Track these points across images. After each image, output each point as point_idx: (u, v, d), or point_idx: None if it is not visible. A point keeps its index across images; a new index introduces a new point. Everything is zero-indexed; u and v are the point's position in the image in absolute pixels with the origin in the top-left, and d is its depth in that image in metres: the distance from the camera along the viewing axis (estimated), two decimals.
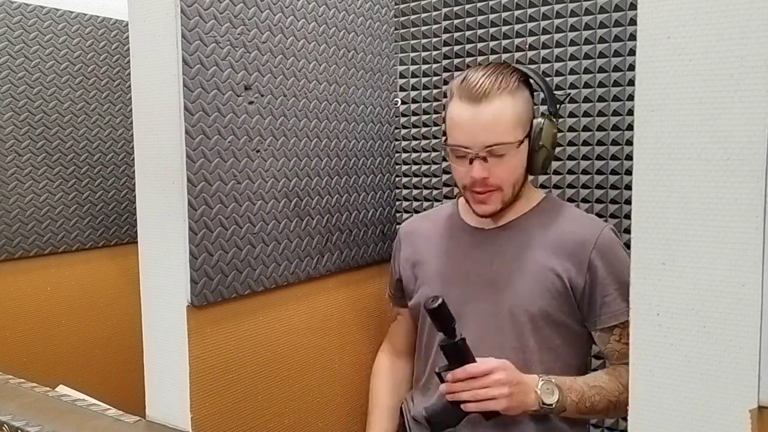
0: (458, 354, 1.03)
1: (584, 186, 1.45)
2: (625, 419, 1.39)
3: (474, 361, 1.03)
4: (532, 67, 1.48)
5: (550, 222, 1.18)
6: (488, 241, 1.20)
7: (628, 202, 1.40)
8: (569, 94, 1.45)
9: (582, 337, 1.17)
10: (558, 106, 1.16)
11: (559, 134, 1.46)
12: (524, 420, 1.15)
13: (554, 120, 1.14)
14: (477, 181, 1.11)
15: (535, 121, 1.13)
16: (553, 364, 1.14)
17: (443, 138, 1.23)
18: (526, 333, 1.13)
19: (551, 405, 1.04)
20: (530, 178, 1.23)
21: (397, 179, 1.62)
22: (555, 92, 1.46)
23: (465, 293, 1.18)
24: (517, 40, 1.50)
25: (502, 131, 1.08)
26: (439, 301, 1.00)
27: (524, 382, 1.05)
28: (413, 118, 1.69)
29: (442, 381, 1.05)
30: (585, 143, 1.44)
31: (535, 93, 1.17)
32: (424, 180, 1.70)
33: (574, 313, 1.14)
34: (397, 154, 1.67)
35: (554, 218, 1.19)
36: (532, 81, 1.15)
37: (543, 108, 1.21)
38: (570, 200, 1.46)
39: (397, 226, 1.52)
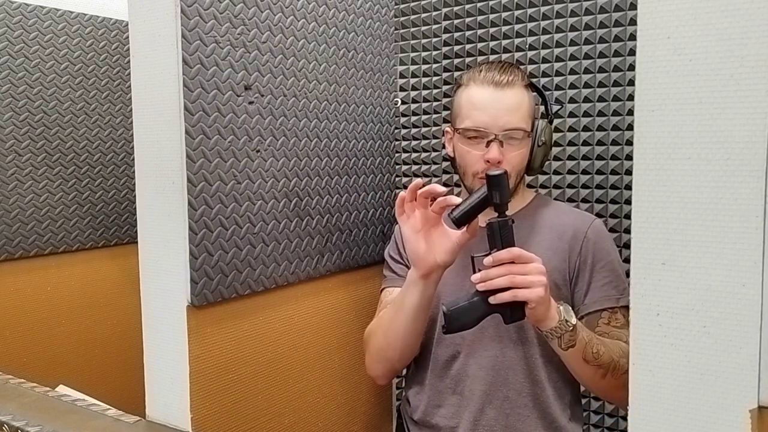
0: (505, 234, 0.99)
1: (584, 186, 1.45)
2: (624, 419, 1.39)
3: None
4: (531, 67, 1.48)
5: (543, 218, 1.22)
6: (484, 239, 1.20)
7: (628, 202, 1.40)
8: (562, 104, 1.46)
9: None
10: (553, 112, 1.23)
11: (559, 134, 1.47)
12: (530, 416, 1.15)
13: (551, 125, 1.21)
14: (492, 163, 1.12)
15: (536, 121, 1.19)
16: (552, 356, 1.14)
17: (449, 126, 1.23)
18: (526, 326, 1.15)
19: (571, 325, 1.02)
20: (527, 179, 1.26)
21: (397, 179, 1.62)
22: (548, 93, 1.48)
23: (461, 289, 1.18)
24: (517, 40, 1.50)
25: (521, 117, 1.14)
26: (502, 170, 1.00)
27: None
28: (413, 118, 1.69)
29: (475, 270, 1.02)
30: (585, 143, 1.44)
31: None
32: (424, 180, 1.69)
33: (570, 304, 1.15)
34: (397, 154, 1.67)
35: (547, 214, 1.23)
36: (533, 85, 1.21)
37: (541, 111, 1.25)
38: (570, 200, 1.46)
39: (397, 226, 1.51)
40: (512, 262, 0.99)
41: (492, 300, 0.99)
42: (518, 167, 1.16)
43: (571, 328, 1.02)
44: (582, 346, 1.05)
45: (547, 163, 1.47)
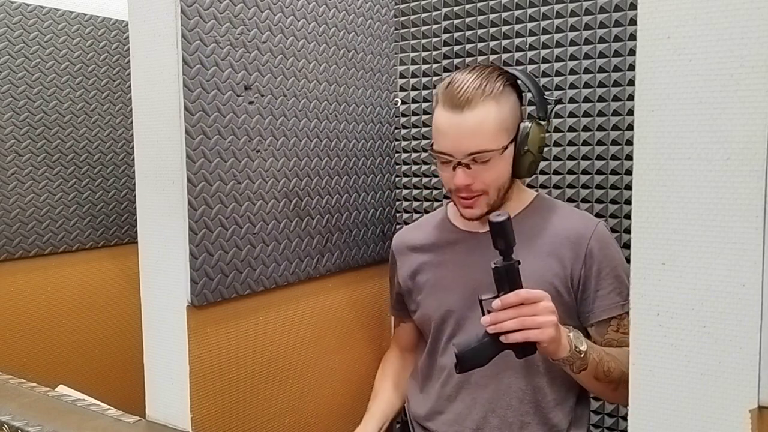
0: (512, 277, 0.97)
1: (584, 186, 1.45)
2: (624, 419, 1.39)
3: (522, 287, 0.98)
4: (531, 67, 1.48)
5: (544, 221, 1.18)
6: (482, 244, 1.19)
7: (628, 202, 1.40)
8: (559, 99, 1.44)
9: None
10: (547, 109, 1.15)
11: (559, 134, 1.47)
12: (531, 422, 1.15)
13: (543, 123, 1.13)
14: (461, 188, 1.11)
15: (522, 124, 1.11)
16: (554, 365, 1.14)
17: (430, 143, 1.22)
18: None
19: (581, 352, 1.01)
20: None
21: (397, 179, 1.62)
22: (549, 92, 1.46)
23: (465, 299, 1.18)
24: (517, 40, 1.50)
25: (484, 139, 1.07)
26: (506, 215, 0.95)
27: (560, 324, 1.01)
28: (413, 118, 1.69)
29: (483, 312, 1.00)
30: (585, 143, 1.44)
31: (524, 94, 1.16)
32: (424, 180, 1.70)
33: (572, 311, 1.15)
34: (397, 154, 1.67)
35: (548, 217, 1.19)
36: (520, 83, 1.14)
37: (532, 109, 1.19)
38: (570, 200, 1.46)
39: (397, 226, 1.52)
40: (521, 304, 0.97)
41: (503, 339, 0.98)
42: (494, 184, 1.12)
43: (582, 355, 1.02)
44: (593, 368, 1.04)
45: (546, 163, 1.48)
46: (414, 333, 1.36)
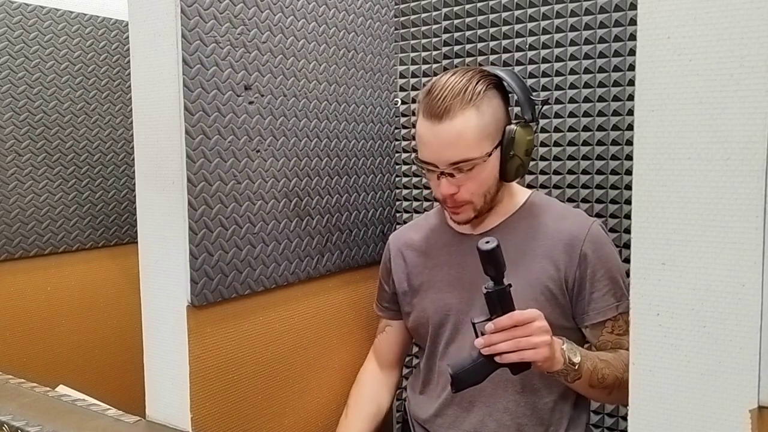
0: (504, 301, 0.97)
1: (584, 186, 1.45)
2: (624, 419, 1.39)
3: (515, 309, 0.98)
4: (531, 67, 1.48)
5: (538, 222, 1.17)
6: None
7: (628, 202, 1.40)
8: (546, 99, 1.43)
9: (577, 336, 1.17)
10: (534, 110, 1.12)
11: (559, 134, 1.47)
12: (528, 424, 1.15)
13: (530, 125, 1.11)
14: (446, 197, 1.11)
15: (508, 128, 1.09)
16: None
17: (415, 152, 1.21)
18: None
19: (576, 364, 1.02)
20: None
21: (397, 179, 1.62)
22: (548, 93, 1.46)
23: (463, 302, 1.18)
24: (517, 40, 1.50)
25: (466, 148, 1.06)
26: (495, 243, 0.94)
27: (553, 337, 1.01)
28: (413, 118, 1.69)
29: (477, 334, 1.00)
30: (585, 143, 1.44)
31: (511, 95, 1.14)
32: (424, 180, 1.69)
33: (568, 313, 1.15)
34: (397, 154, 1.67)
35: (541, 218, 1.18)
36: (505, 84, 1.12)
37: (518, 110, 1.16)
38: (570, 200, 1.46)
39: (397, 226, 1.52)
40: (515, 326, 0.97)
41: (498, 360, 0.98)
42: (479, 191, 1.11)
43: (576, 367, 1.02)
44: (587, 376, 1.04)
45: (546, 163, 1.48)
46: (398, 342, 1.36)
